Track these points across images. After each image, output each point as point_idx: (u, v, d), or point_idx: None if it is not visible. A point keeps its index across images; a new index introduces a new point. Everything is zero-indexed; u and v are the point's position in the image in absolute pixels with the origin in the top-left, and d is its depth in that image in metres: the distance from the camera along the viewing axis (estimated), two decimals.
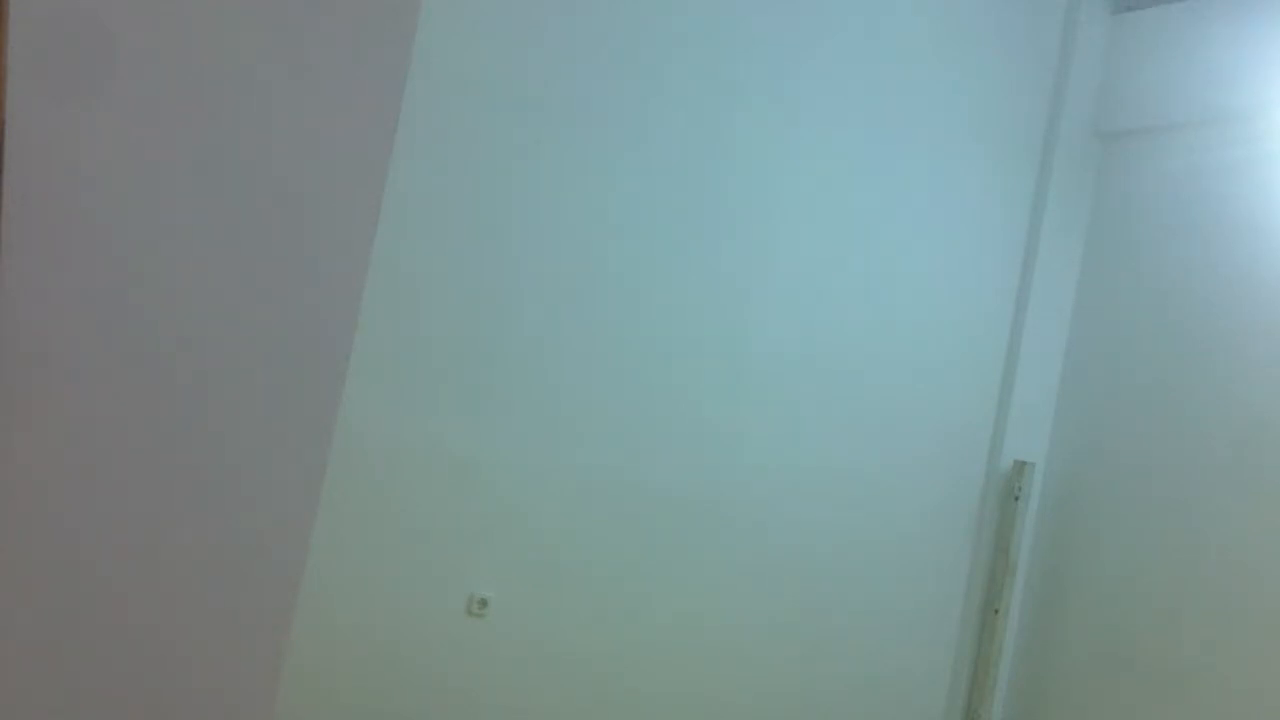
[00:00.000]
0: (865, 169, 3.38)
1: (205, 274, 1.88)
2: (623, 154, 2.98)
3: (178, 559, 1.88)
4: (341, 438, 2.41)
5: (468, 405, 2.80)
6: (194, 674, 1.90)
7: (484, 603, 2.83)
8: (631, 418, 3.03)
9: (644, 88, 3.00)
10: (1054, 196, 3.71)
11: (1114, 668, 3.43)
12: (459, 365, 2.78)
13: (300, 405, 1.94)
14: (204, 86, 1.86)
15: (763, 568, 3.25)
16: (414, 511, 2.75)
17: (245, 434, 1.91)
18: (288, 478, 1.94)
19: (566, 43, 2.89)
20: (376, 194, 2.02)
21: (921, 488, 3.53)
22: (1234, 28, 3.45)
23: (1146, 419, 3.51)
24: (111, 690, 1.85)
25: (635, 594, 3.06)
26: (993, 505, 3.65)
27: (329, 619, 2.60)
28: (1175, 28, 3.62)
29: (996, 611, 3.60)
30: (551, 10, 2.86)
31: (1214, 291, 3.41)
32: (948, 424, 3.58)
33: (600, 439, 2.98)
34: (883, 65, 3.39)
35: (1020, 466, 3.64)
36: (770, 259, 3.23)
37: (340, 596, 2.63)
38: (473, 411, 2.81)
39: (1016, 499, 3.62)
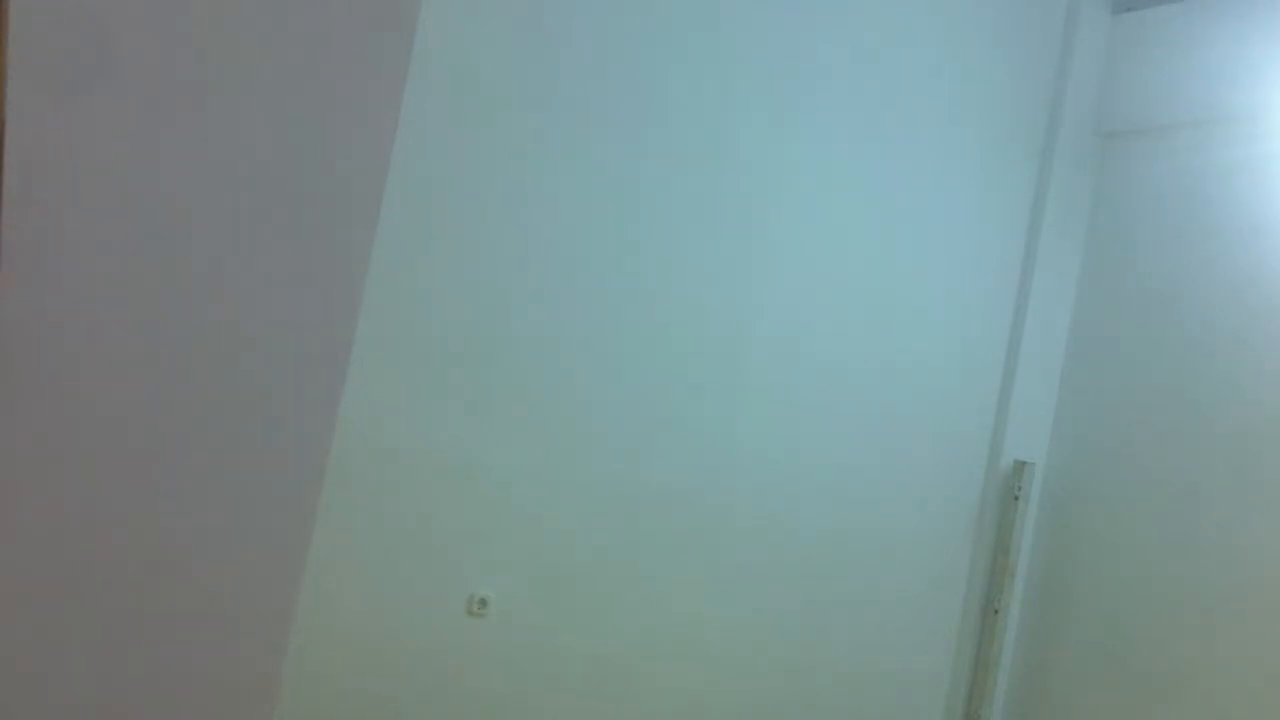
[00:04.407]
0: (866, 169, 3.38)
1: (205, 274, 1.88)
2: (623, 155, 2.98)
3: (177, 559, 1.88)
4: (341, 438, 2.41)
5: (468, 405, 2.80)
6: (194, 674, 1.90)
7: (484, 603, 2.83)
8: (632, 418, 3.03)
9: (644, 88, 3.00)
10: (1054, 196, 3.71)
11: (1114, 667, 3.43)
12: (459, 365, 2.78)
13: (300, 405, 1.94)
14: (204, 86, 1.86)
15: (762, 568, 3.25)
16: (414, 511, 2.75)
17: (245, 434, 1.91)
18: (288, 478, 1.94)
19: (566, 42, 2.88)
20: (376, 194, 2.02)
21: (921, 487, 3.54)
22: (1234, 28, 3.45)
23: (1146, 419, 3.51)
24: (111, 690, 1.85)
25: (635, 594, 3.06)
26: (993, 505, 3.65)
27: (329, 619, 2.60)
28: (1175, 28, 3.62)
29: (996, 611, 3.60)
30: (551, 10, 2.86)
31: (1214, 291, 3.41)
32: (948, 424, 3.58)
33: (601, 439, 2.98)
34: (883, 65, 3.39)
35: (1020, 466, 3.64)
36: (770, 259, 3.23)
37: (340, 596, 2.63)
38: (473, 411, 2.81)
39: (1016, 499, 3.62)
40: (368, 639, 2.70)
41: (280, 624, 1.96)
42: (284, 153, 1.92)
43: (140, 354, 1.84)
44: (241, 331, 1.90)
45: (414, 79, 2.38)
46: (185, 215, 1.86)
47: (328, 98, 1.94)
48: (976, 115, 3.60)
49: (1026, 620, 3.66)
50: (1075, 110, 3.74)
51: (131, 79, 1.81)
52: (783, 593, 3.29)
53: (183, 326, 1.87)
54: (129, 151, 1.81)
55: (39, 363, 1.78)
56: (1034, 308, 3.69)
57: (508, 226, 2.83)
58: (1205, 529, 3.30)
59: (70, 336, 1.80)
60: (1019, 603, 3.66)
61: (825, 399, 3.34)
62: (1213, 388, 3.36)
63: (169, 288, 1.86)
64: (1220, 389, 3.34)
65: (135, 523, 1.85)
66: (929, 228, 3.51)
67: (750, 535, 3.22)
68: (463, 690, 2.83)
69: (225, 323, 1.89)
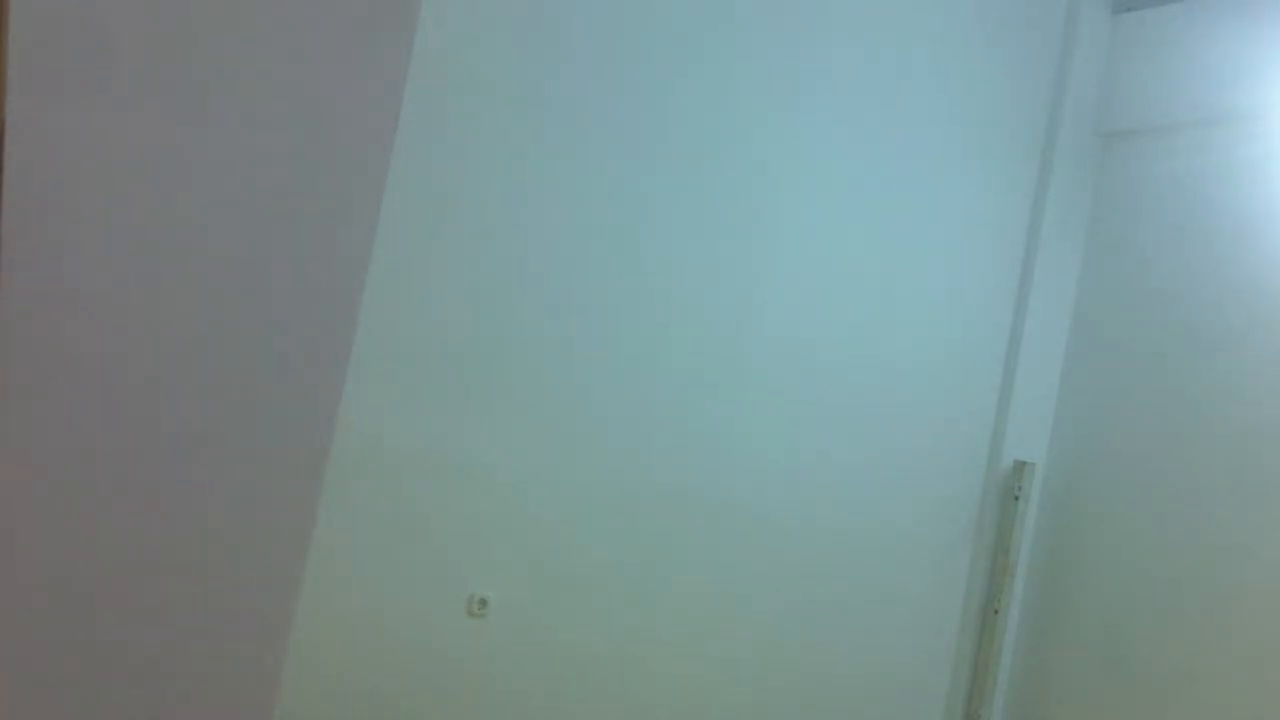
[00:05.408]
0: (866, 169, 3.38)
1: (204, 274, 1.88)
2: (624, 155, 2.98)
3: (178, 559, 1.88)
4: (341, 438, 2.41)
5: (468, 404, 2.80)
6: (194, 674, 1.90)
7: (484, 603, 2.83)
8: (632, 416, 3.03)
9: (645, 88, 3.00)
10: (1054, 196, 3.71)
11: (1114, 667, 3.43)
12: (459, 365, 2.79)
13: (300, 405, 1.94)
14: (203, 87, 1.86)
15: (762, 567, 3.25)
16: (414, 511, 2.75)
17: (246, 434, 1.91)
18: (288, 478, 1.94)
19: (567, 41, 2.88)
20: (376, 194, 2.02)
21: (921, 487, 3.54)
22: (1234, 28, 3.45)
23: (1146, 419, 3.51)
24: (111, 690, 1.85)
25: (635, 594, 3.06)
26: (993, 505, 3.65)
27: (329, 619, 2.60)
28: (1175, 28, 3.62)
29: (996, 611, 3.60)
30: (551, 10, 2.86)
31: (1214, 291, 3.41)
32: (948, 423, 3.58)
33: (600, 438, 2.98)
34: (883, 65, 3.39)
35: (1020, 466, 3.64)
36: (771, 258, 3.23)
37: (340, 597, 2.63)
38: (473, 411, 2.81)
39: (1016, 499, 3.62)
40: (368, 639, 2.70)
41: (280, 624, 1.96)
42: (284, 153, 1.92)
43: (140, 354, 1.84)
44: (241, 331, 1.90)
45: (414, 79, 2.38)
46: (185, 215, 1.86)
47: (328, 98, 1.94)
48: (976, 115, 3.59)
49: (1026, 620, 3.66)
50: (1075, 110, 3.74)
51: (131, 79, 1.81)
52: (782, 592, 3.29)
53: (182, 326, 1.87)
54: (128, 152, 1.81)
55: (38, 362, 1.78)
56: (1034, 308, 3.69)
57: (508, 227, 2.83)
58: (1205, 529, 3.30)
59: (70, 336, 1.80)
60: (1019, 603, 3.66)
61: (825, 399, 3.34)
62: (1213, 388, 3.36)
63: (169, 287, 1.86)
64: (1220, 389, 3.34)
65: (135, 522, 1.85)
66: (929, 228, 3.51)
67: (750, 535, 3.22)
68: (463, 690, 2.83)
69: (225, 322, 1.89)
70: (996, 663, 3.60)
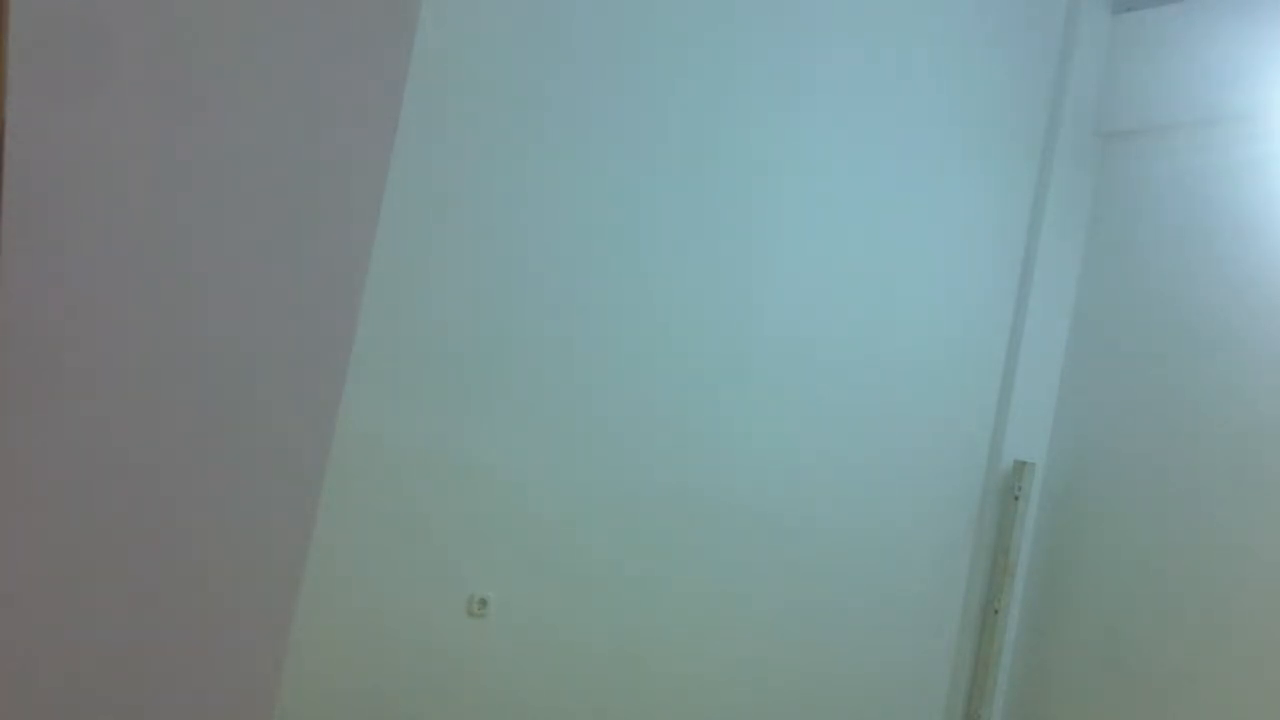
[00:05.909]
0: (866, 169, 3.38)
1: (205, 274, 1.88)
2: (624, 155, 2.98)
3: (178, 559, 1.88)
4: (341, 438, 2.41)
5: (468, 404, 2.80)
6: (195, 673, 1.90)
7: (484, 603, 2.83)
8: (632, 416, 3.03)
9: (645, 88, 3.00)
10: (1054, 196, 3.71)
11: (1114, 667, 3.43)
12: (459, 364, 2.79)
13: (300, 405, 1.94)
14: (204, 87, 1.86)
15: (762, 567, 3.25)
16: (414, 511, 2.75)
17: (246, 434, 1.91)
18: (288, 478, 1.95)
19: (567, 41, 2.88)
20: (376, 194, 2.02)
21: (921, 487, 3.54)
22: (1234, 28, 3.45)
23: (1146, 419, 3.51)
24: (112, 690, 1.85)
25: (635, 594, 3.06)
26: (993, 505, 3.65)
27: (329, 619, 2.60)
28: (1175, 28, 3.62)
29: (996, 611, 3.60)
30: (552, 10, 2.86)
31: (1214, 291, 3.41)
32: (948, 423, 3.58)
33: (600, 438, 2.98)
34: (883, 65, 3.39)
35: (1020, 466, 3.64)
36: (772, 257, 3.23)
37: (340, 597, 2.63)
38: (473, 411, 2.81)
39: (1016, 499, 3.62)
40: (368, 639, 2.69)
41: (280, 624, 1.96)
42: (284, 153, 1.92)
43: (139, 353, 1.84)
44: (242, 331, 1.90)
45: (414, 79, 2.39)
46: (186, 214, 1.86)
47: (328, 97, 1.94)
48: (976, 115, 3.59)
49: (1026, 620, 3.66)
50: (1075, 110, 3.74)
51: (131, 79, 1.81)
52: (782, 593, 3.29)
53: (183, 325, 1.87)
54: (129, 151, 1.81)
55: (38, 361, 1.78)
56: (1034, 308, 3.69)
57: (508, 226, 2.83)
58: (1205, 529, 3.30)
59: (69, 336, 1.80)
60: (1019, 603, 3.66)
61: (826, 399, 3.34)
62: (1213, 388, 3.36)
63: (170, 286, 1.86)
64: (1220, 389, 3.34)
65: (136, 522, 1.85)
66: (929, 228, 3.51)
67: (750, 535, 3.22)
68: (463, 690, 2.83)
69: (226, 322, 1.89)
70: (996, 663, 3.60)
